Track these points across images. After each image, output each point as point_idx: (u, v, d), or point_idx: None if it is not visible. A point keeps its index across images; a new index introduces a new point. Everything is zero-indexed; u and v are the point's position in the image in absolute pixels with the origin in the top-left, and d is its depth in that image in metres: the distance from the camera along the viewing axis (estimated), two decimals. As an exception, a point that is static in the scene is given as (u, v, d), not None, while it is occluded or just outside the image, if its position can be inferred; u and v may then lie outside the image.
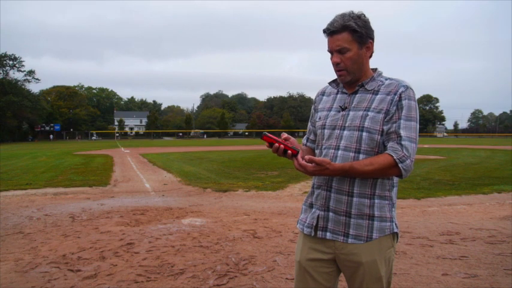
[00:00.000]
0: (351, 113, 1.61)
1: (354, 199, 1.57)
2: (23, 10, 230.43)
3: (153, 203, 7.04)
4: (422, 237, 4.53)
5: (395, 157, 1.49)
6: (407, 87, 1.57)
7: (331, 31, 1.57)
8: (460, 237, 4.57)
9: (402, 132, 1.52)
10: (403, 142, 1.51)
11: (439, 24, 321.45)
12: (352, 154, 1.57)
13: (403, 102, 1.55)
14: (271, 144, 1.58)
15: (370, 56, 1.64)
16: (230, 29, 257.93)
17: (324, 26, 1.61)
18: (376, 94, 1.60)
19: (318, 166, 1.47)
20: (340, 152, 1.59)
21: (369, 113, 1.57)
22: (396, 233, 1.63)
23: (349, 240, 1.58)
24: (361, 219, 1.57)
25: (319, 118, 1.72)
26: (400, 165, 1.49)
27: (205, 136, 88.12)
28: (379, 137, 1.56)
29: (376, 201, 1.58)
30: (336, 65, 1.61)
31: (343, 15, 1.57)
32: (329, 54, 1.65)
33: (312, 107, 1.84)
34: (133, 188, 9.06)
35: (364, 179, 1.56)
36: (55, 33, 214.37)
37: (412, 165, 1.53)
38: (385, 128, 1.55)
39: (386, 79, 1.63)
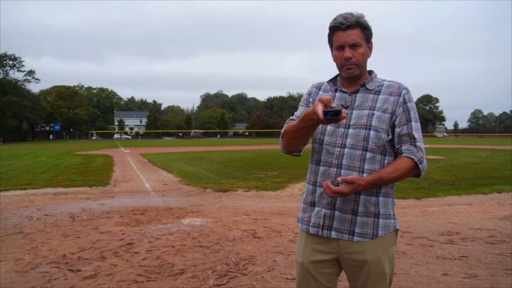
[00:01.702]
0: (355, 111, 1.61)
1: (361, 197, 1.58)
2: (23, 11, 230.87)
3: (153, 203, 7.04)
4: (422, 237, 4.53)
5: (415, 159, 1.56)
6: (407, 89, 1.63)
7: (346, 25, 1.57)
8: (460, 237, 4.56)
9: (415, 134, 1.59)
10: (417, 144, 1.59)
11: (439, 24, 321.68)
12: (359, 152, 1.58)
13: (409, 104, 1.61)
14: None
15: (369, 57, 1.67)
16: (230, 29, 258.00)
17: (326, 25, 1.63)
18: (378, 94, 1.62)
19: (352, 185, 1.49)
20: (346, 150, 1.59)
21: (375, 112, 1.59)
22: (398, 229, 1.68)
23: (355, 238, 1.58)
24: (367, 217, 1.58)
25: None
26: (420, 166, 1.57)
27: (218, 136, 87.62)
28: (385, 135, 1.59)
29: (380, 198, 1.60)
30: (347, 60, 1.59)
31: (351, 13, 1.59)
32: (328, 54, 1.67)
33: (306, 97, 1.76)
34: (133, 188, 9.06)
35: None
36: (56, 33, 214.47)
37: (427, 164, 1.61)
38: (397, 129, 1.60)
39: (383, 80, 1.67)
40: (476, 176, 10.74)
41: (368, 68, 1.69)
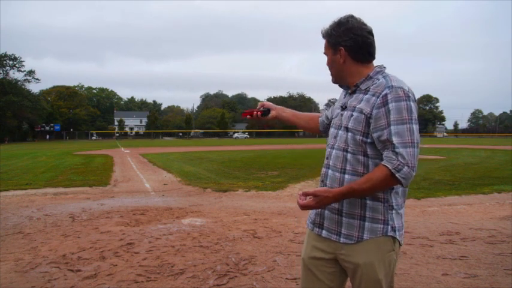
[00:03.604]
0: (345, 113, 1.63)
1: None
2: (24, 12, 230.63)
3: (153, 203, 7.04)
4: (422, 237, 4.53)
5: (390, 167, 1.44)
6: (393, 88, 1.48)
7: (323, 37, 1.69)
8: (460, 237, 4.56)
9: (394, 139, 1.45)
10: (397, 150, 1.44)
11: (439, 24, 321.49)
12: (341, 153, 1.60)
13: (390, 105, 1.47)
14: (251, 115, 1.90)
15: (358, 61, 1.61)
16: (230, 30, 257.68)
17: (322, 26, 1.68)
18: (366, 94, 1.57)
19: (317, 197, 1.50)
20: (334, 151, 1.64)
21: (353, 113, 1.57)
22: (393, 237, 1.56)
23: (341, 240, 1.59)
24: (352, 219, 1.57)
25: (332, 114, 1.79)
26: (397, 175, 1.43)
27: (234, 136, 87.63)
28: (361, 137, 1.54)
29: (367, 201, 1.55)
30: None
31: (330, 24, 1.64)
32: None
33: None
34: (133, 188, 9.06)
35: (355, 177, 1.55)
36: (57, 34, 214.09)
37: (412, 172, 1.45)
38: (375, 135, 1.50)
39: (383, 77, 1.57)
40: (476, 176, 10.74)
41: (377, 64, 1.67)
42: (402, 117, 1.46)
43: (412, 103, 1.48)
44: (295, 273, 3.34)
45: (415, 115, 1.48)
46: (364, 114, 1.53)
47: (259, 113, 1.89)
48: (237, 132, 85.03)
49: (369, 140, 1.53)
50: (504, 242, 4.37)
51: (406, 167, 1.43)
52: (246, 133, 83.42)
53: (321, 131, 1.92)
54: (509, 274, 3.37)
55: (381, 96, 1.49)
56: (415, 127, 1.47)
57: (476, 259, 3.75)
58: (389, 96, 1.48)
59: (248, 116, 1.92)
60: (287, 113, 1.97)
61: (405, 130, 1.45)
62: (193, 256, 3.87)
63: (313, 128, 1.96)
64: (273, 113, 1.92)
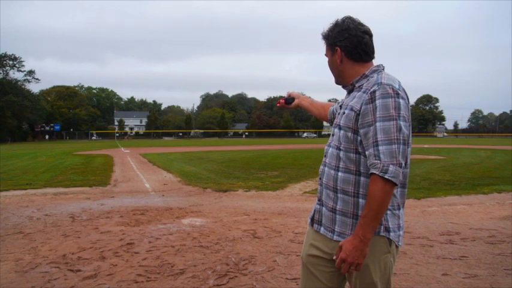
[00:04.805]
0: (341, 111, 1.65)
1: (339, 195, 1.58)
2: (26, 13, 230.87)
3: (153, 203, 7.04)
4: (422, 237, 4.52)
5: (377, 173, 1.41)
6: (381, 84, 1.47)
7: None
8: (460, 237, 4.56)
9: (379, 136, 1.43)
10: (380, 147, 1.42)
11: (439, 25, 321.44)
12: (335, 151, 1.61)
13: (377, 102, 1.45)
14: (280, 103, 2.17)
15: (355, 60, 1.61)
16: (230, 31, 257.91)
17: (322, 29, 1.70)
18: (359, 91, 1.58)
19: (340, 251, 1.50)
20: (330, 149, 1.66)
21: (345, 111, 1.58)
22: (389, 238, 1.54)
23: (334, 237, 1.58)
24: (346, 217, 1.56)
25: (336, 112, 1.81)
26: (385, 176, 1.39)
27: (243, 136, 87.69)
28: (352, 134, 1.54)
29: (360, 200, 1.53)
30: None
31: (328, 25, 1.66)
32: (324, 55, 1.75)
33: None
34: (133, 188, 9.06)
35: (347, 174, 1.55)
36: (57, 36, 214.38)
37: (399, 168, 1.41)
38: (361, 131, 1.49)
39: (377, 74, 1.56)
40: (476, 176, 10.74)
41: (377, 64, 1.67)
42: (389, 113, 1.43)
43: (401, 100, 1.45)
44: (295, 273, 3.34)
45: (403, 112, 1.45)
46: (354, 111, 1.53)
47: (282, 100, 2.14)
48: (307, 132, 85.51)
49: (359, 138, 1.53)
50: (504, 242, 4.37)
51: (391, 166, 1.40)
52: (315, 133, 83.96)
53: (328, 120, 1.96)
54: (509, 274, 3.37)
55: (369, 92, 1.49)
56: (403, 124, 1.44)
57: (476, 259, 3.75)
58: (377, 93, 1.46)
59: (278, 104, 2.21)
60: (306, 101, 2.11)
61: (391, 126, 1.42)
62: (193, 256, 3.87)
63: (324, 116, 2.02)
64: (296, 102, 2.10)
